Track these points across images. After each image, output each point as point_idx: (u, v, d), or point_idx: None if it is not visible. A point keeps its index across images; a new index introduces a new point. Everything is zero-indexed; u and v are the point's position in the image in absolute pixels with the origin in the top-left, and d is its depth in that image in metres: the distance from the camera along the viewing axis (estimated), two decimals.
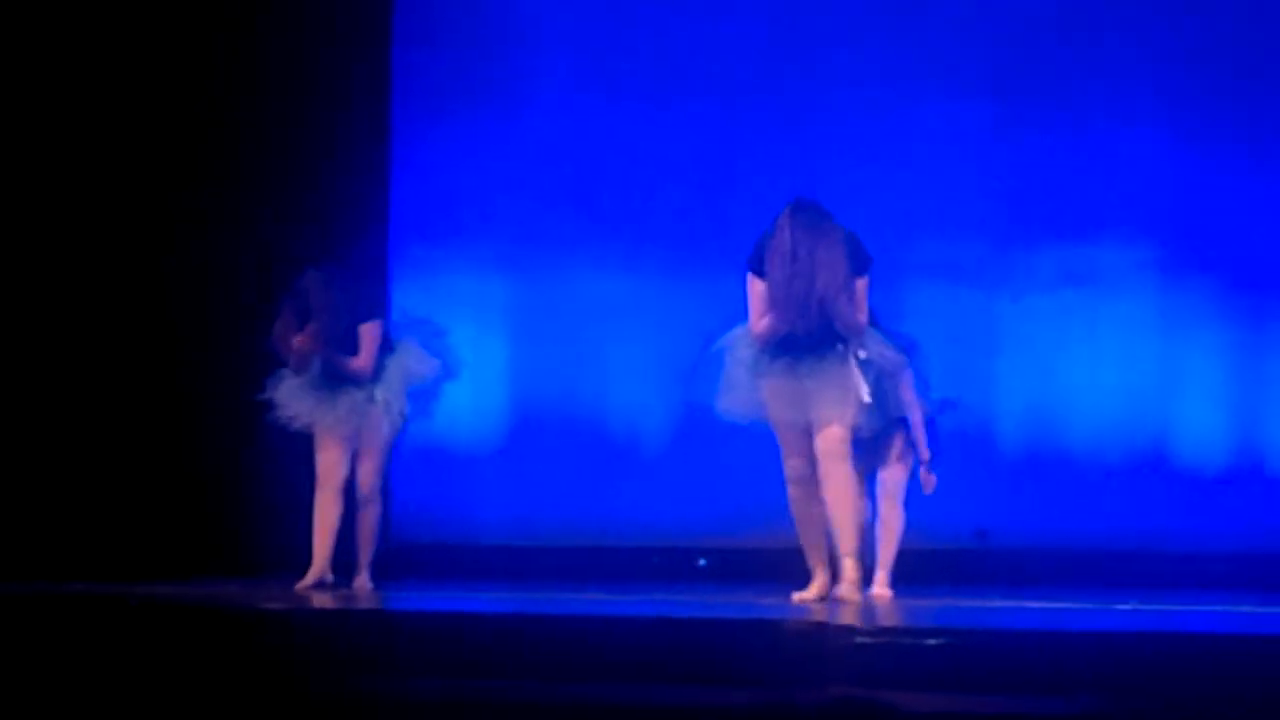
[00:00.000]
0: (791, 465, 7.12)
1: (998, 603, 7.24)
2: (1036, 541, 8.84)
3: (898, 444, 7.51)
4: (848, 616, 6.26)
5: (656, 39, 9.42)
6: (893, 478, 7.54)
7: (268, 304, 8.99)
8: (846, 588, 7.00)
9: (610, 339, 9.31)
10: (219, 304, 9.16)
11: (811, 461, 7.07)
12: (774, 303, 6.97)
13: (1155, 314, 9.02)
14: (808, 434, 7.08)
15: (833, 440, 7.01)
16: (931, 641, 5.12)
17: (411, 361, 8.01)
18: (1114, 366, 9.01)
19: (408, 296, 9.24)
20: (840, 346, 7.01)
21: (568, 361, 9.31)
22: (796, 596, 7.08)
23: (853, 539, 7.03)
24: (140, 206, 9.11)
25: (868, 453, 7.48)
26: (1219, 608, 6.93)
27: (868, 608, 6.76)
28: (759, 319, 7.02)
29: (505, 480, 9.05)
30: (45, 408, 8.98)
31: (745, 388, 7.10)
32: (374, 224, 9.37)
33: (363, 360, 7.91)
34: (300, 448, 8.05)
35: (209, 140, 9.15)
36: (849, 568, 7.01)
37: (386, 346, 7.99)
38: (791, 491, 7.14)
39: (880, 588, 7.38)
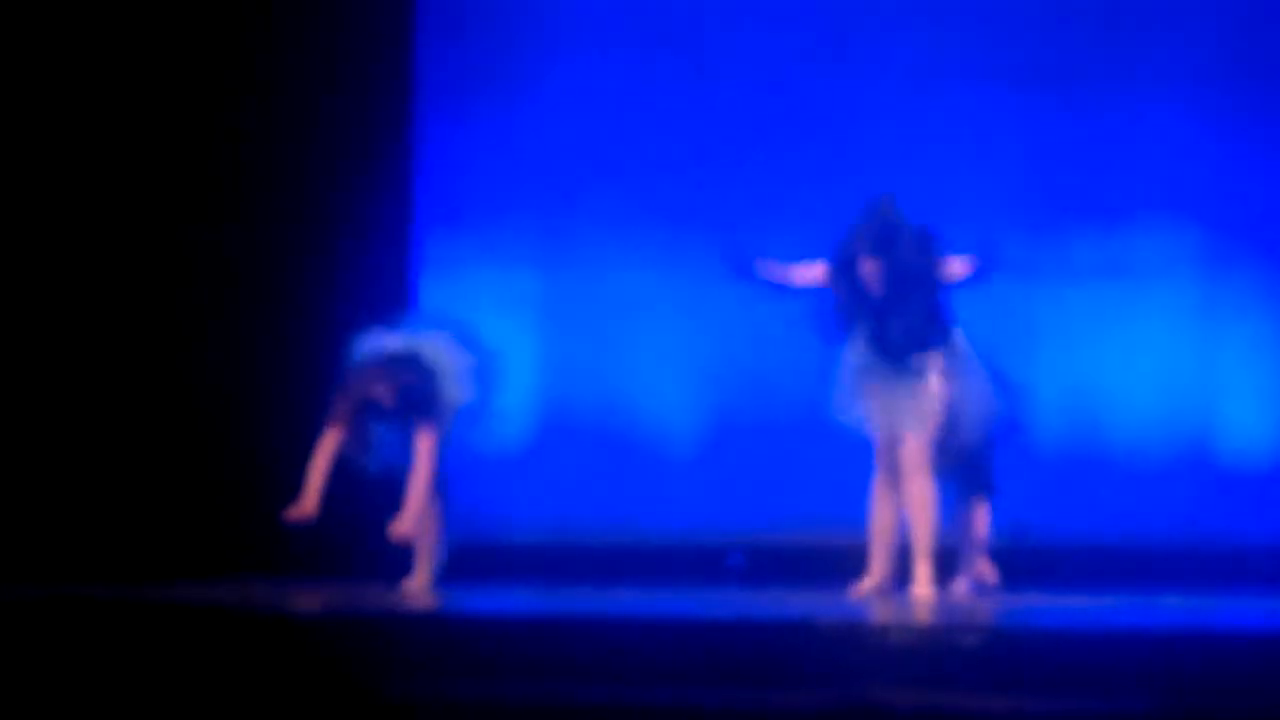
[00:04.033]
0: (881, 462, 7.30)
1: (1034, 598, 7.17)
2: (1074, 538, 8.75)
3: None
4: (921, 613, 6.29)
5: (684, 27, 9.34)
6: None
7: (293, 299, 8.99)
8: (921, 587, 7.20)
9: (640, 332, 9.24)
10: (248, 299, 9.09)
11: (894, 465, 7.26)
12: None
13: (1196, 304, 8.95)
14: (894, 440, 7.25)
15: (912, 453, 7.20)
16: (968, 640, 5.08)
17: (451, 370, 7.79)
18: (1154, 358, 8.94)
19: (433, 291, 9.16)
20: (919, 355, 7.21)
21: (597, 356, 9.23)
22: (853, 590, 7.23)
23: (928, 544, 7.23)
24: (162, 201, 9.05)
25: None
26: (1263, 604, 6.86)
27: (907, 606, 6.69)
28: None
29: (533, 477, 8.97)
30: (85, 411, 8.94)
31: (852, 392, 7.32)
32: (397, 218, 9.29)
33: None
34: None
35: (228, 133, 9.09)
36: (923, 569, 7.22)
37: None
38: (875, 484, 7.31)
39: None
